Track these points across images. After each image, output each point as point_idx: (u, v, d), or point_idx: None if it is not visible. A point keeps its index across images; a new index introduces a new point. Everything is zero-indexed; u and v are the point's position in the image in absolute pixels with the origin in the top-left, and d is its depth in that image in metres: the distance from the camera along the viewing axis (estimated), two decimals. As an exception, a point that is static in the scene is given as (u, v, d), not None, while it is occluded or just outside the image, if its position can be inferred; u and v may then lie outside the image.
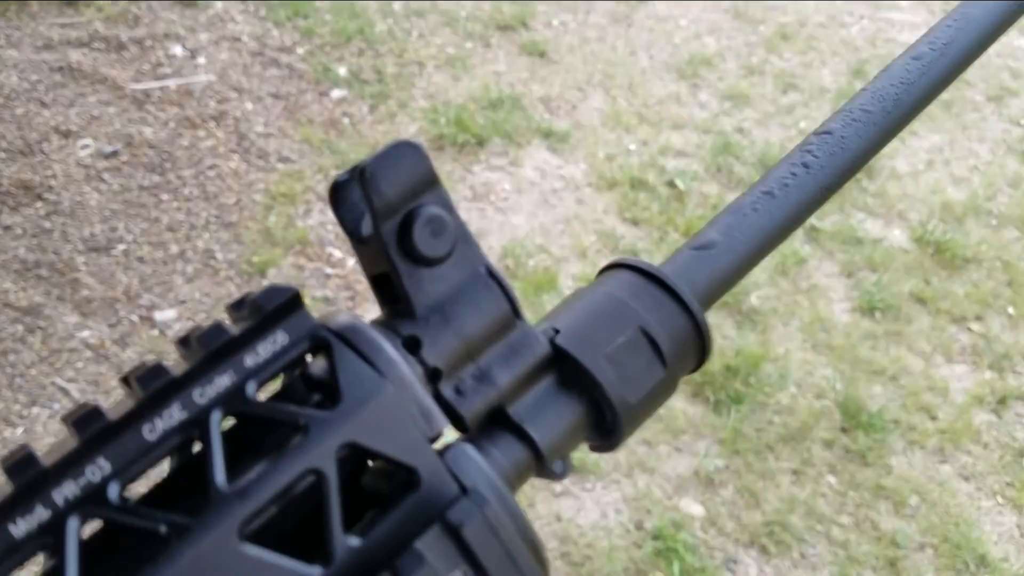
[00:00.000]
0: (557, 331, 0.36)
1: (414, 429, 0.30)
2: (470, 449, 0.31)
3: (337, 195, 0.35)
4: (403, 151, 0.32)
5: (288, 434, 0.29)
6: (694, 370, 0.40)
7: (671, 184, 2.55)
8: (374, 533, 0.28)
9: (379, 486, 0.31)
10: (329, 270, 2.22)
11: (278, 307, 0.29)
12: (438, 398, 0.33)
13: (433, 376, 0.33)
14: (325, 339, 0.30)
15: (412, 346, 0.33)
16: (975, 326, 2.26)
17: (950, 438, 1.98)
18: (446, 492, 0.30)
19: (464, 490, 0.30)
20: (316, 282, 2.20)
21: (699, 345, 0.38)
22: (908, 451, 1.96)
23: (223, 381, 0.28)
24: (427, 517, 0.29)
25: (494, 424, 0.35)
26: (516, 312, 0.35)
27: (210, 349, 0.28)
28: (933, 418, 2.02)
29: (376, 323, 0.34)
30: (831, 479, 1.88)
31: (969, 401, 2.07)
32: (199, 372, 0.28)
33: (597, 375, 0.35)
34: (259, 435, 0.30)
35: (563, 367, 0.36)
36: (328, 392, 0.30)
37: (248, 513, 0.26)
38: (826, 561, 1.75)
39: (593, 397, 0.36)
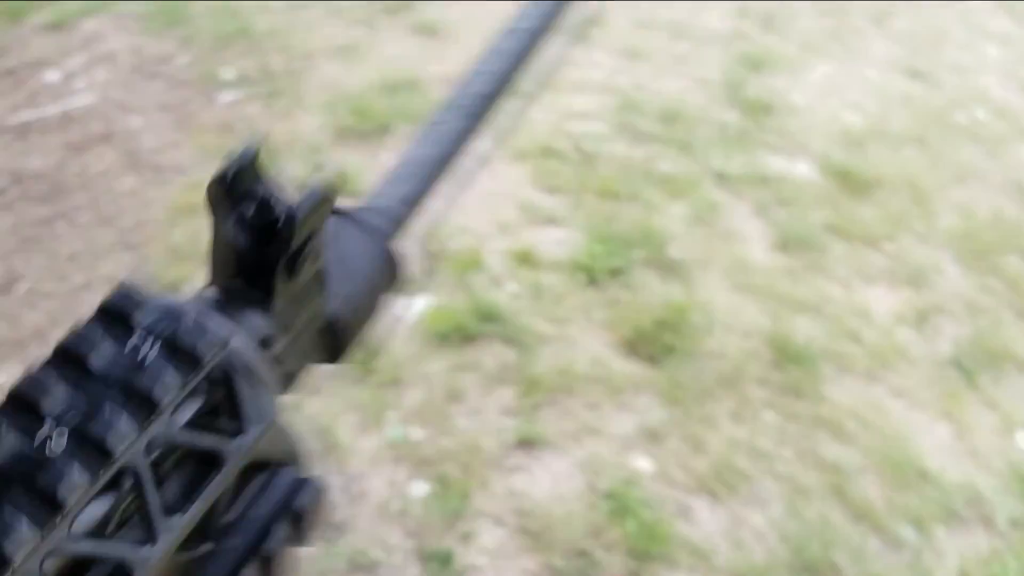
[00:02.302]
0: None
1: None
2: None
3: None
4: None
5: (204, 457, 0.32)
6: (391, 287, 0.45)
7: (579, 148, 2.55)
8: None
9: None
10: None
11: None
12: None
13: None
14: (225, 372, 0.32)
15: (266, 344, 0.37)
16: (888, 246, 2.32)
17: (878, 360, 2.04)
18: None
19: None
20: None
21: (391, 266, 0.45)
22: (839, 378, 2.00)
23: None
24: None
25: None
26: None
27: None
28: (859, 342, 2.08)
29: (244, 335, 0.36)
30: (769, 415, 1.92)
31: (892, 321, 2.13)
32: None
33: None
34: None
35: None
36: (230, 415, 0.33)
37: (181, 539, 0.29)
38: (775, 496, 1.78)
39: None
